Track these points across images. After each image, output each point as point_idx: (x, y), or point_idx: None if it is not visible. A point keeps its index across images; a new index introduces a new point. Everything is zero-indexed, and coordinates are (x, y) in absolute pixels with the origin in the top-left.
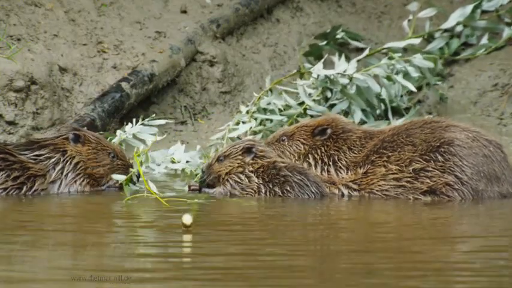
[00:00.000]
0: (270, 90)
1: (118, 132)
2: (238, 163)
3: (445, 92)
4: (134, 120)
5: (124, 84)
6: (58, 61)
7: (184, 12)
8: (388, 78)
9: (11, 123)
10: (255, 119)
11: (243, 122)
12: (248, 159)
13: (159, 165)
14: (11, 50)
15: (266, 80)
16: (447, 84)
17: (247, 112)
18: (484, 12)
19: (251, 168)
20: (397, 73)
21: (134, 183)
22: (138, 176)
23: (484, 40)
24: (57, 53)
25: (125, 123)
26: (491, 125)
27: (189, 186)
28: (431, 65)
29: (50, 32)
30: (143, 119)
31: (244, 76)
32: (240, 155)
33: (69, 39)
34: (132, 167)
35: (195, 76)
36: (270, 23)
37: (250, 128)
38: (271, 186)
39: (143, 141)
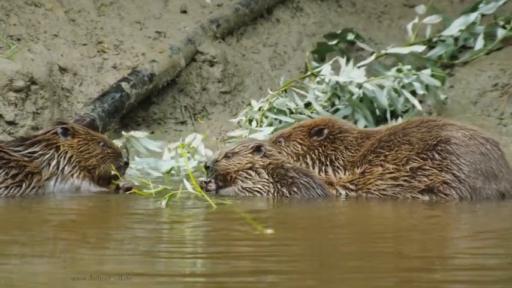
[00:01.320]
0: (285, 90)
1: (126, 134)
2: (247, 161)
3: (445, 92)
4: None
5: (124, 84)
6: (58, 61)
7: (184, 12)
8: (396, 91)
9: (11, 123)
10: (266, 117)
11: (256, 120)
12: (257, 157)
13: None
14: (11, 50)
15: (281, 79)
16: (447, 84)
17: (260, 109)
18: (481, 15)
19: (261, 163)
20: (403, 87)
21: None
22: (126, 163)
23: (480, 42)
24: (57, 53)
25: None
26: (491, 125)
27: (207, 184)
28: (438, 83)
29: (50, 32)
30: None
31: (244, 76)
32: (249, 153)
33: (69, 39)
34: (121, 155)
35: (195, 76)
36: (270, 23)
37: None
38: (279, 187)
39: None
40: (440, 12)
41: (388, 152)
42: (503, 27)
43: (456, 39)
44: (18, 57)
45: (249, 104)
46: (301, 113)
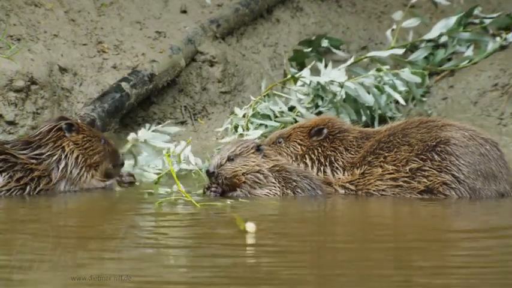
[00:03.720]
0: (267, 94)
1: (130, 136)
2: (253, 161)
3: (445, 92)
4: (147, 125)
5: (124, 84)
6: (58, 61)
7: (184, 12)
8: (378, 88)
9: (11, 123)
10: (251, 123)
11: (241, 126)
12: (260, 157)
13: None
14: (11, 50)
15: (262, 84)
16: (447, 84)
17: (244, 116)
18: (470, 23)
19: (267, 166)
20: (384, 84)
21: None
22: (122, 164)
23: (469, 51)
24: (57, 53)
25: (146, 125)
26: (491, 125)
27: (209, 188)
28: (418, 79)
29: (50, 32)
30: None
31: (244, 76)
32: (252, 153)
33: (69, 39)
34: (119, 154)
35: (195, 76)
36: (270, 23)
37: (242, 130)
38: (285, 190)
39: (153, 147)
40: (420, 18)
41: (388, 153)
42: (493, 35)
43: (444, 46)
44: (18, 57)
45: (233, 113)
46: (285, 116)
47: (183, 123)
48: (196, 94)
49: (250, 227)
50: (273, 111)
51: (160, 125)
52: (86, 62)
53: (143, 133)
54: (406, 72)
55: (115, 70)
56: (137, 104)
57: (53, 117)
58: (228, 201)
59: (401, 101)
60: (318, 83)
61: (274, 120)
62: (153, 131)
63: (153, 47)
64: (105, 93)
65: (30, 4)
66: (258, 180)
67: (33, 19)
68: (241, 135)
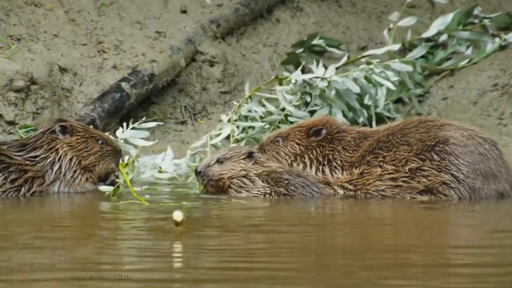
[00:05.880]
0: (250, 97)
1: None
2: (241, 167)
3: (445, 92)
4: (125, 124)
5: (124, 84)
6: (58, 61)
7: (184, 12)
8: (367, 78)
9: (11, 123)
10: (237, 126)
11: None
12: (250, 164)
13: (144, 172)
14: (11, 50)
15: (245, 88)
16: (447, 84)
17: (229, 121)
18: (470, 23)
19: (255, 172)
20: (375, 75)
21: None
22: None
23: (469, 51)
24: (57, 53)
25: (123, 125)
26: (491, 125)
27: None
28: (409, 68)
29: (50, 32)
30: (134, 122)
31: (244, 76)
32: (242, 159)
33: (69, 39)
34: (120, 153)
35: (195, 76)
36: (270, 23)
37: (233, 134)
38: (276, 188)
39: (135, 146)
40: (417, 17)
41: (387, 152)
42: (493, 35)
43: (444, 45)
44: (18, 57)
45: (220, 121)
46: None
47: (183, 123)
48: (196, 94)
49: (177, 215)
50: (257, 112)
51: (137, 123)
52: (86, 62)
53: (121, 134)
54: (397, 63)
55: (115, 70)
56: (137, 104)
57: (51, 119)
58: (184, 202)
59: (392, 87)
60: (304, 80)
61: (261, 121)
62: (131, 128)
63: (153, 47)
64: (105, 93)
65: (30, 4)
66: (243, 185)
67: (33, 19)
68: (211, 137)
